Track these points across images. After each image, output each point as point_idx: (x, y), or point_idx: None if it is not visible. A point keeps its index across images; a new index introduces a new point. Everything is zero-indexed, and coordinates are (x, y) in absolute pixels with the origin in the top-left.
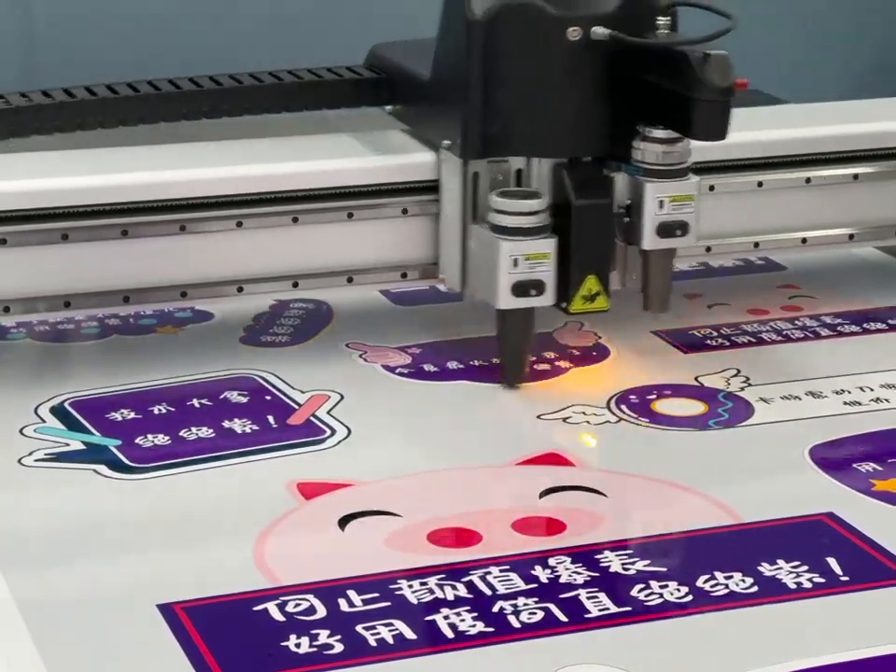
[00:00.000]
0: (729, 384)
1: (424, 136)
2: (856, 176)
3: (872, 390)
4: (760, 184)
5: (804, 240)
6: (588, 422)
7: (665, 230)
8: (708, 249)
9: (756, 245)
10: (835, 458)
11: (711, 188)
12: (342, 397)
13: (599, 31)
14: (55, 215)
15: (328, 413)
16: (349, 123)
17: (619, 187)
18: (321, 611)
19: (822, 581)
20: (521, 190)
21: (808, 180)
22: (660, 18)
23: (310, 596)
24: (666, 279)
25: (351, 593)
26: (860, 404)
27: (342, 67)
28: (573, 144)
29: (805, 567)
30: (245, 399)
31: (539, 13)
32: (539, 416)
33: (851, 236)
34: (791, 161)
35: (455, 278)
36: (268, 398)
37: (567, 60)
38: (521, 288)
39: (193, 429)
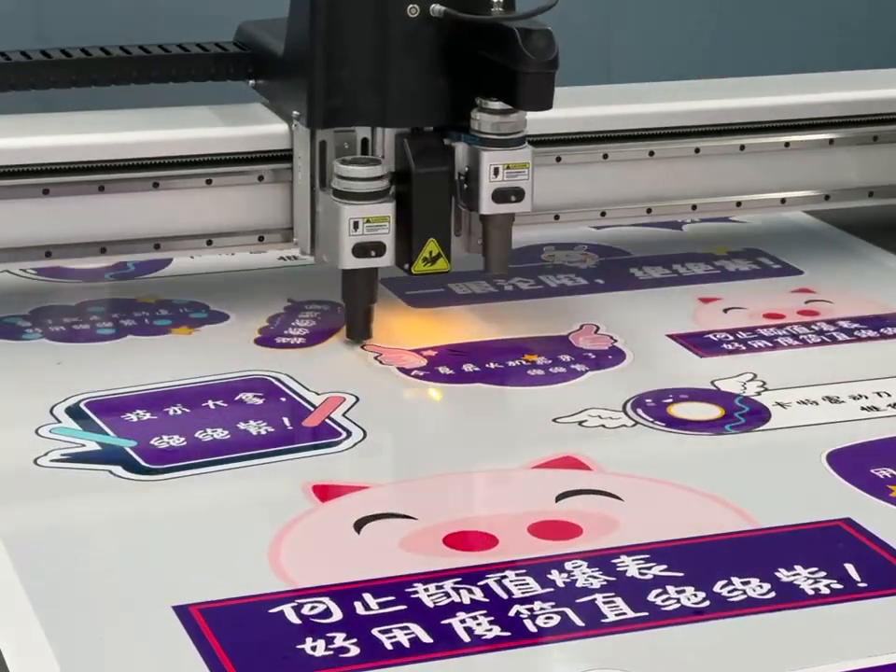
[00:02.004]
0: (745, 388)
1: (279, 108)
2: (787, 144)
3: (889, 395)
4: (697, 150)
5: (738, 203)
6: (604, 425)
7: (501, 196)
8: (649, 211)
9: (694, 207)
10: (853, 464)
11: (651, 153)
12: (357, 399)
13: (436, 8)
14: (38, 171)
15: (343, 415)
16: (216, 96)
17: (460, 155)
18: (337, 614)
19: (840, 587)
20: (362, 158)
21: (742, 147)
22: None
23: (325, 599)
24: (505, 243)
25: (367, 595)
26: (877, 409)
27: (210, 43)
28: (414, 114)
29: (823, 573)
30: (260, 401)
31: None
32: (554, 420)
33: (783, 200)
34: (727, 129)
35: (306, 242)
36: (283, 399)
37: (407, 35)
38: (361, 250)
39: (208, 430)
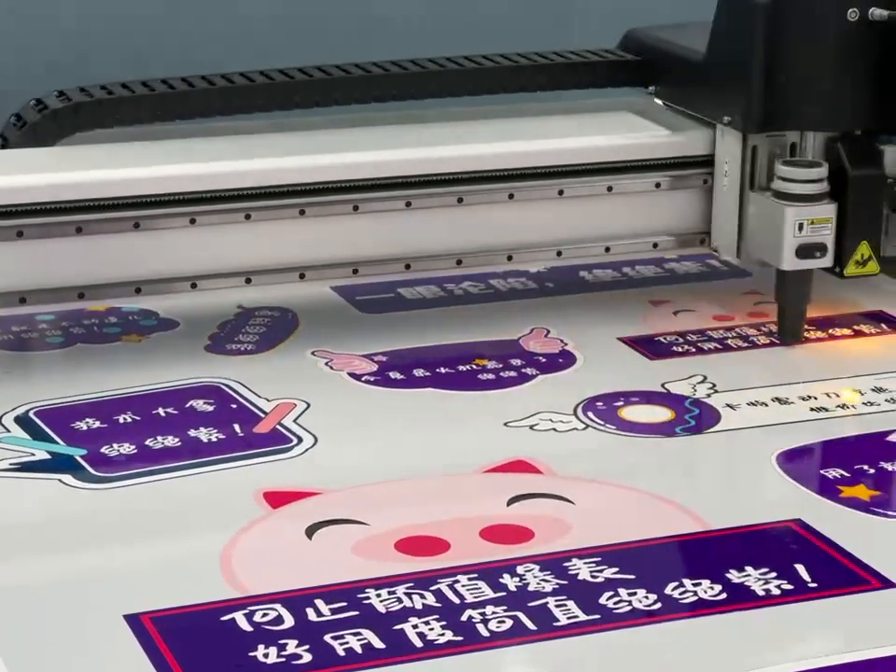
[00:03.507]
0: (695, 390)
1: (697, 114)
2: (658, 185)
3: (838, 396)
4: (561, 192)
5: (607, 248)
6: (555, 429)
7: None
8: (559, 254)
9: (559, 253)
10: (803, 464)
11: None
12: (308, 405)
13: (877, 12)
14: (11, 212)
15: (294, 421)
16: (604, 103)
17: (890, 158)
18: (289, 621)
19: (790, 587)
20: (804, 160)
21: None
22: None
23: (277, 606)
24: None
25: (319, 602)
26: (826, 410)
27: (600, 50)
28: (847, 117)
29: (774, 574)
30: (210, 408)
31: None
32: (505, 424)
33: (655, 245)
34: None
35: (730, 245)
36: (234, 406)
37: (845, 39)
38: (805, 251)
39: (159, 438)
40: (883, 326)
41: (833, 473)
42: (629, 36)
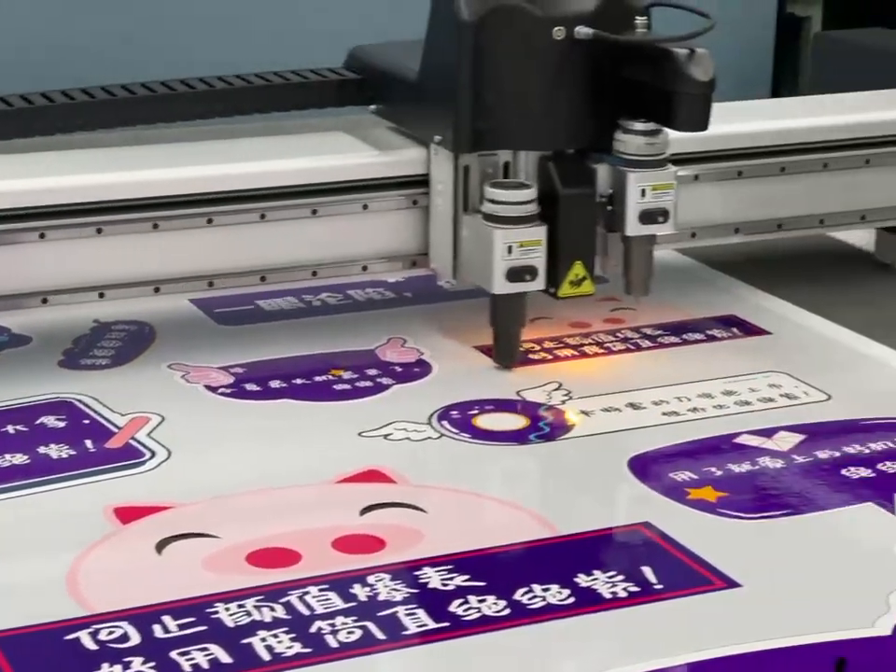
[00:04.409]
0: (550, 397)
1: (412, 133)
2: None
3: (689, 400)
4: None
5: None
6: (409, 438)
7: (647, 217)
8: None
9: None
10: (653, 468)
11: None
12: (162, 418)
13: (583, 30)
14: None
15: (147, 435)
16: (333, 122)
17: (602, 177)
18: (135, 638)
19: (637, 589)
20: (513, 182)
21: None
22: (637, 18)
23: (124, 623)
24: (648, 264)
25: (166, 618)
26: (677, 414)
27: (324, 69)
28: (559, 137)
29: (621, 577)
30: (62, 424)
31: (525, 14)
32: (360, 434)
33: (364, 268)
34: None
35: (447, 267)
36: (86, 422)
37: (552, 58)
38: (515, 274)
39: (7, 456)
40: (734, 330)
41: (681, 476)
42: (353, 55)
